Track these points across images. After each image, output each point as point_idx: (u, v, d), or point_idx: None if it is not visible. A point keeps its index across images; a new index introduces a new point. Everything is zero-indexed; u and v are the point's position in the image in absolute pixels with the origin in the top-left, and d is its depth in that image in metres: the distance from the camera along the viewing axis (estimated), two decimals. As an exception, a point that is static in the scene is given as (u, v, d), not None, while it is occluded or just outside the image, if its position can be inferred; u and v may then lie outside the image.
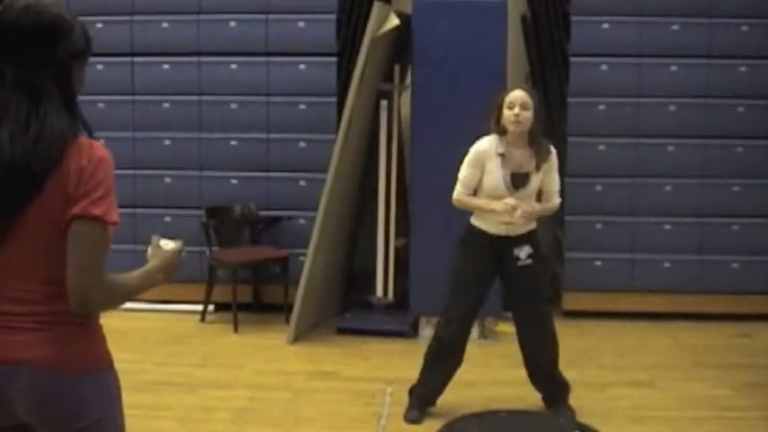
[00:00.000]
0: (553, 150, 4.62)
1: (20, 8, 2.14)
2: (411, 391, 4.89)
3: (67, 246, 2.09)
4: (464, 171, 4.60)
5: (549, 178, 4.62)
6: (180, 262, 2.37)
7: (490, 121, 4.57)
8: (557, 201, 4.70)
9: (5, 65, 2.15)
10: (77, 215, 2.09)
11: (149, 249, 2.35)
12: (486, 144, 4.56)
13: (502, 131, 4.53)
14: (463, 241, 4.69)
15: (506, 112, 4.47)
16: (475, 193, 4.62)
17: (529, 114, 4.45)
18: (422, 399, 4.83)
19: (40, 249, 2.13)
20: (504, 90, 4.64)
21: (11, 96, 2.13)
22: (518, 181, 4.53)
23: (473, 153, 4.58)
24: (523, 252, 4.62)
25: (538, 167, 4.54)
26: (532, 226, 4.67)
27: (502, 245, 4.62)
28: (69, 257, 2.09)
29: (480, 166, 4.55)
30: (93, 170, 2.12)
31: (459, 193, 4.62)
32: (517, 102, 4.46)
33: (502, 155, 4.52)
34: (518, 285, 4.69)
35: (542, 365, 4.80)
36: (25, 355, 2.12)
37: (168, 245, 2.35)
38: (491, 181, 4.53)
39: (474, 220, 4.67)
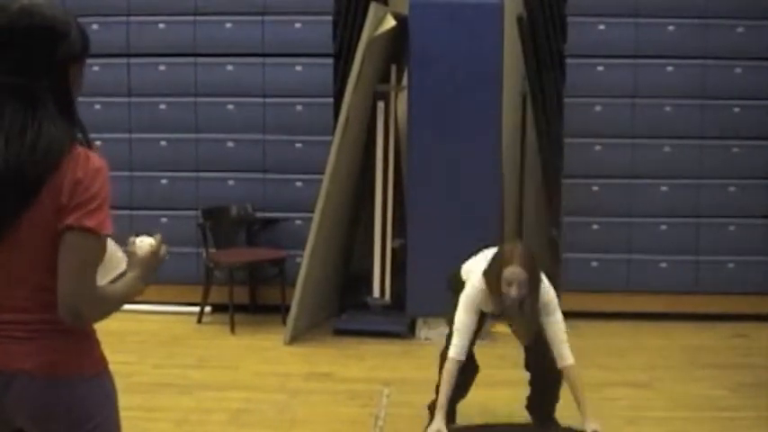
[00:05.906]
0: (549, 293, 4.13)
1: (14, 11, 2.08)
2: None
3: (59, 256, 2.05)
4: (462, 316, 4.11)
5: (550, 326, 4.11)
6: (161, 259, 2.27)
7: (487, 277, 4.08)
8: (570, 359, 4.10)
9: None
10: (70, 226, 2.05)
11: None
12: (481, 293, 4.13)
13: (497, 294, 4.05)
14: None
15: (505, 288, 3.97)
16: None
17: (526, 291, 3.98)
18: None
19: (33, 257, 2.09)
20: (501, 245, 4.20)
21: (5, 102, 2.07)
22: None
23: (471, 295, 4.13)
24: None
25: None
26: None
27: None
28: (61, 268, 2.05)
29: (478, 306, 4.14)
30: (89, 182, 2.07)
31: (455, 352, 4.09)
32: (515, 281, 3.95)
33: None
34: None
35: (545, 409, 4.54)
36: (20, 364, 2.09)
37: (144, 243, 2.25)
38: None
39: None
